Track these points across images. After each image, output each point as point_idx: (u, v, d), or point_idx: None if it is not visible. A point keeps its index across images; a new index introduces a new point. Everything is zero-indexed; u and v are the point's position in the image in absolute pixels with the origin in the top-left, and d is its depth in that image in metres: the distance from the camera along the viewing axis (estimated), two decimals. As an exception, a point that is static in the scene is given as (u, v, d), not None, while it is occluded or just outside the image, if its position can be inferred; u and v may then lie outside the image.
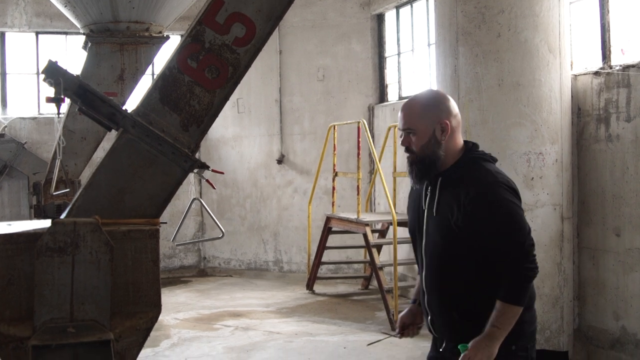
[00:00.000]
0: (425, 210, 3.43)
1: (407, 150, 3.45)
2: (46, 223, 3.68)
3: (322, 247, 10.90)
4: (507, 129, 6.58)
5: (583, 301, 7.07)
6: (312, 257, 11.15)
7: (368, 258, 10.30)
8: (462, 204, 3.26)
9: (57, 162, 8.55)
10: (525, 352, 3.37)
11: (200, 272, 13.33)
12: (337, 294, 10.95)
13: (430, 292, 3.42)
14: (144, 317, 3.42)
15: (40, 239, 3.41)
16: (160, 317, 9.06)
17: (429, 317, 3.48)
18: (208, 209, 5.16)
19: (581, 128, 7.04)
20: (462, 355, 3.21)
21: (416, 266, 3.73)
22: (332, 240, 11.05)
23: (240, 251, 13.06)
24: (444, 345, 3.48)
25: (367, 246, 9.73)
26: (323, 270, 11.54)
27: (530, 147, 6.58)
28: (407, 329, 3.72)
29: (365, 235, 9.64)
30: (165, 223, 4.01)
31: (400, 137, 3.51)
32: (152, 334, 8.17)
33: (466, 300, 3.32)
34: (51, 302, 3.35)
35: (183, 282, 12.47)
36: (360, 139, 10.07)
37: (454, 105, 3.44)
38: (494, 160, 3.49)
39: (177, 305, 10.28)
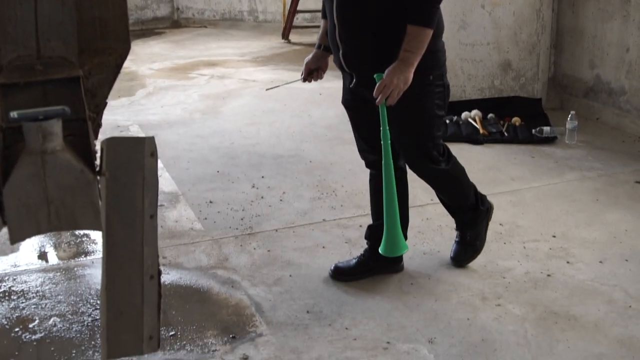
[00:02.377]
0: None
1: None
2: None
3: (298, -5, 10.62)
4: None
5: (560, 49, 7.03)
6: (288, 6, 10.90)
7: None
8: None
9: None
10: (441, 81, 3.43)
11: (174, 23, 13.04)
12: (312, 43, 10.52)
13: (343, 22, 3.34)
14: (113, 53, 3.30)
15: (-1, -27, 3.24)
16: (135, 68, 9.09)
17: (340, 51, 3.41)
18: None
19: None
20: (378, 83, 3.18)
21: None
22: (309, -12, 10.77)
23: (214, 1, 12.69)
24: (354, 81, 3.47)
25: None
26: (299, 20, 11.31)
27: None
28: (312, 74, 3.73)
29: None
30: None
31: None
32: (127, 83, 8.19)
33: (380, 27, 3.27)
34: (16, 39, 3.22)
35: (157, 33, 12.23)
36: None
37: None
38: None
39: (151, 56, 10.15)
